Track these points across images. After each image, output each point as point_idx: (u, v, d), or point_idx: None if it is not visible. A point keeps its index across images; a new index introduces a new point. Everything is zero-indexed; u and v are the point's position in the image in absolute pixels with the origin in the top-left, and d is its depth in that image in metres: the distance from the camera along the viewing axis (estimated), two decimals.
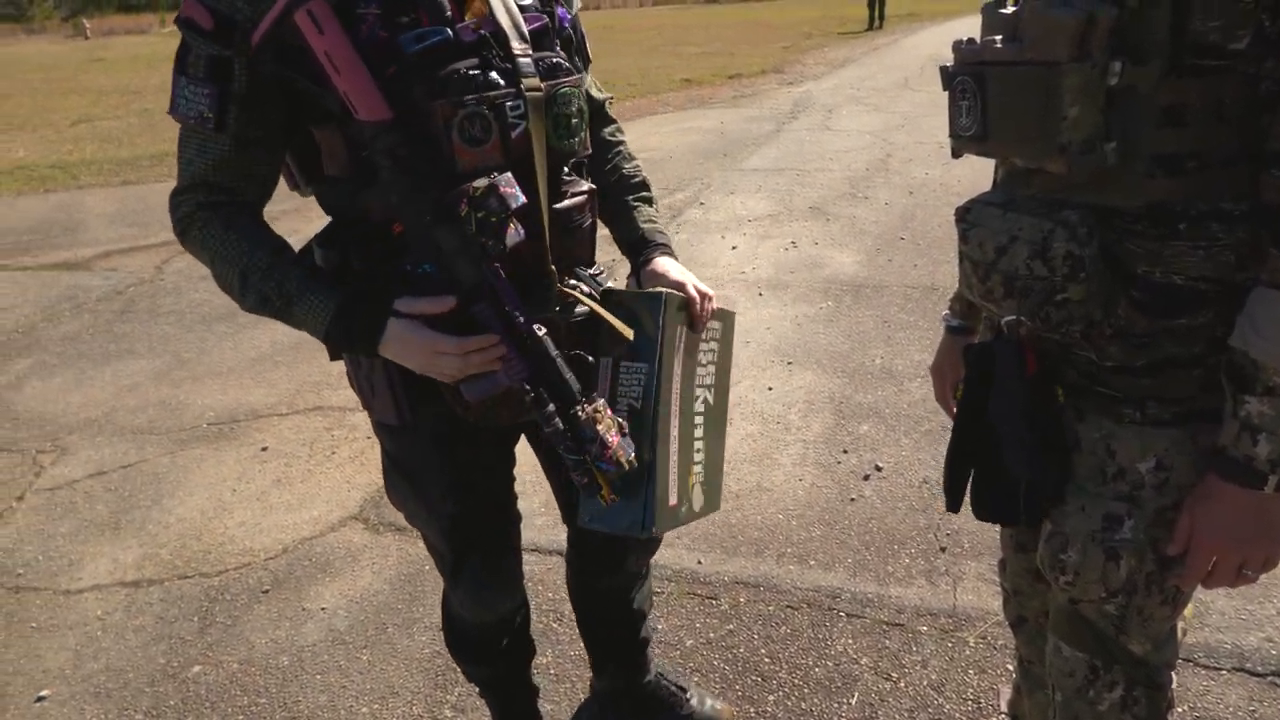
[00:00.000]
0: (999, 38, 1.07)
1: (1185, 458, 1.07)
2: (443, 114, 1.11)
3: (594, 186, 1.37)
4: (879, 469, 2.81)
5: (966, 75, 1.10)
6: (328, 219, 1.30)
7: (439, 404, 1.29)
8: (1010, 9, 1.08)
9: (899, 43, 16.44)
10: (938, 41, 16.19)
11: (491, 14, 1.19)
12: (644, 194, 1.54)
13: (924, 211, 5.54)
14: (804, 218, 5.62)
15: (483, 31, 1.16)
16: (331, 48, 1.06)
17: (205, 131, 1.16)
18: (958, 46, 1.14)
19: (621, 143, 1.58)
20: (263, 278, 1.18)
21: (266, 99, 1.16)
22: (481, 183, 1.11)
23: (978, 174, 6.26)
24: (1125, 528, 1.10)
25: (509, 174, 1.14)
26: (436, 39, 1.12)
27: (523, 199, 1.13)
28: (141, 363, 4.07)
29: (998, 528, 1.57)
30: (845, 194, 6.05)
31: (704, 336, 1.43)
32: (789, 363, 3.60)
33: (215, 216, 1.20)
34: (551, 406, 1.17)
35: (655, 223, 1.52)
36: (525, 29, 1.23)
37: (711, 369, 1.47)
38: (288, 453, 3.18)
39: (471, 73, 1.13)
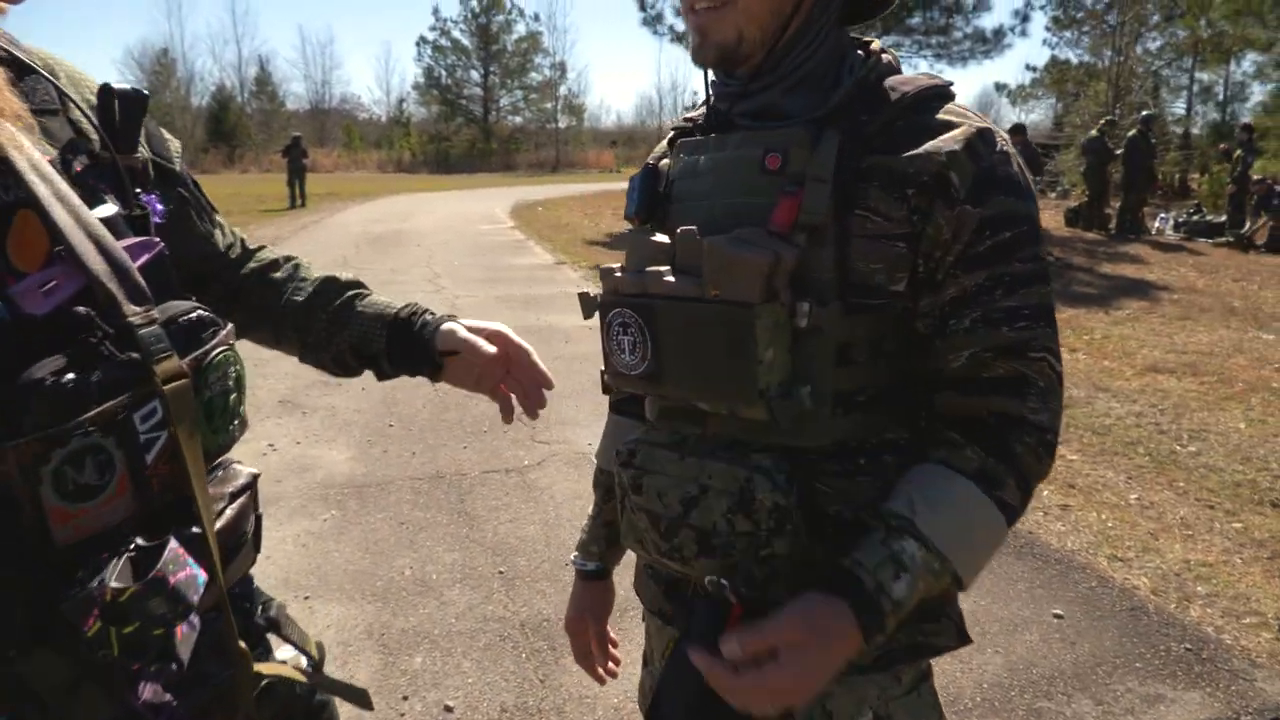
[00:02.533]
0: (664, 269, 0.95)
1: (898, 702, 1.02)
2: (19, 462, 0.68)
3: (255, 470, 0.93)
4: (449, 709, 2.44)
5: (627, 308, 0.97)
6: None
7: None
8: (660, 238, 0.98)
9: (326, 221, 16.58)
10: (365, 219, 16.76)
11: (70, 252, 0.72)
12: (361, 287, 1.18)
13: (404, 394, 5.40)
14: (275, 414, 5.04)
15: (64, 295, 0.71)
16: None
17: None
18: (609, 274, 1.01)
19: (291, 257, 1.20)
20: None
21: None
22: (123, 581, 0.70)
23: None
24: None
25: (174, 543, 0.71)
26: None
27: (204, 576, 0.76)
28: None
29: None
30: (316, 382, 5.62)
31: None
32: (305, 597, 3.03)
33: None
34: None
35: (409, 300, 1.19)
36: (137, 274, 0.77)
37: None
38: None
39: (64, 379, 0.71)
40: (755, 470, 0.93)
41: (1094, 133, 13.95)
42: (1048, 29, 26.87)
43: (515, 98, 51.01)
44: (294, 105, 54.44)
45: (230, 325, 0.90)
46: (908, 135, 0.92)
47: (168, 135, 1.04)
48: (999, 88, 29.32)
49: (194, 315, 0.84)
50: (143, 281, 0.79)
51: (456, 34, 48.65)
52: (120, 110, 0.90)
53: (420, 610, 2.95)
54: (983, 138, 0.92)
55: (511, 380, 1.15)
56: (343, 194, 23.75)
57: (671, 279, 0.94)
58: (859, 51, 1.01)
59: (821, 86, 0.98)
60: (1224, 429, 4.83)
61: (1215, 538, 3.55)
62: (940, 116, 0.94)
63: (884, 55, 1.00)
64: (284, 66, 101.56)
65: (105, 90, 0.90)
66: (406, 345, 1.11)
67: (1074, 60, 24.65)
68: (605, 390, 1.13)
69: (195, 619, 0.78)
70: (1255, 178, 12.77)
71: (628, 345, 0.99)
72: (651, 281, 0.96)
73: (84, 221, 0.77)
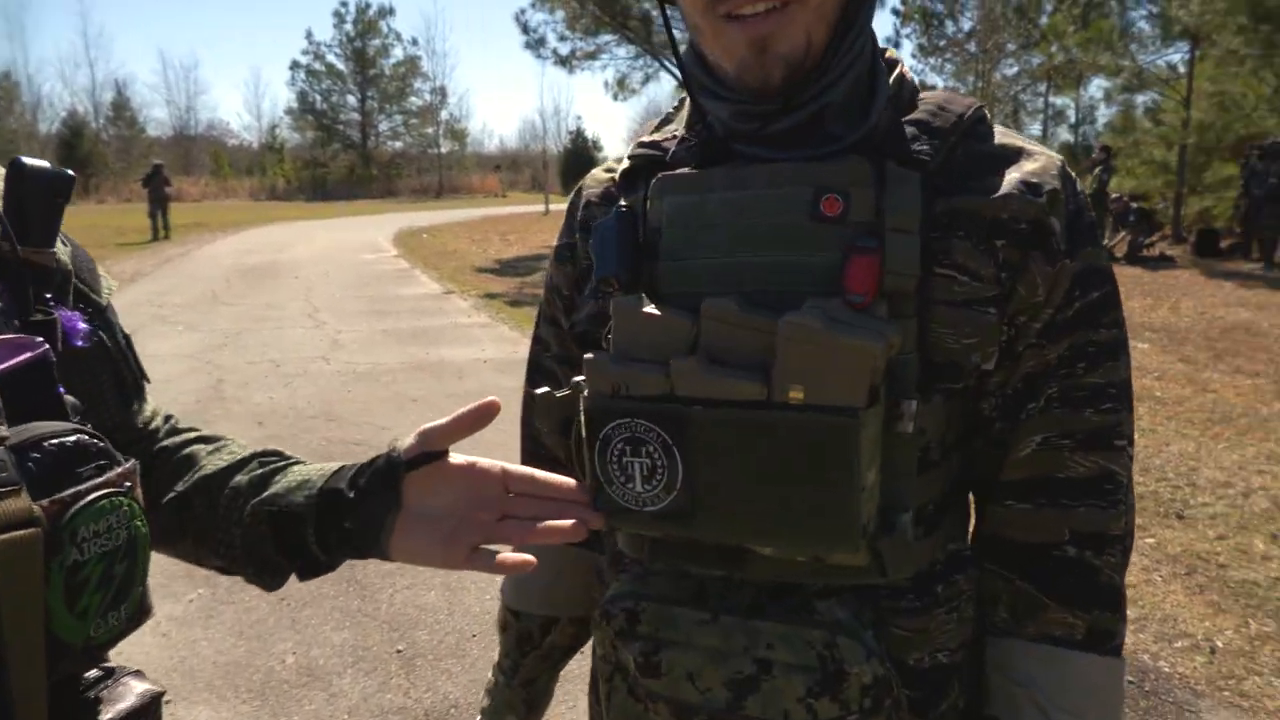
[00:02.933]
0: (695, 362, 0.67)
1: None
2: None
3: (155, 688, 0.65)
4: None
5: (642, 418, 0.69)
6: None
7: None
8: (673, 313, 0.70)
9: (193, 254, 15.53)
10: (237, 250, 15.81)
11: None
12: (291, 459, 0.80)
13: (283, 444, 4.91)
14: None
15: None
16: None
17: None
18: (599, 366, 0.71)
19: (218, 438, 0.84)
20: None
21: None
22: None
23: (326, 391, 5.94)
24: None
25: None
26: None
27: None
28: None
29: None
30: None
31: None
32: (167, 701, 2.59)
33: None
34: None
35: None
36: None
37: None
38: None
39: None
40: (837, 631, 0.69)
41: None
42: (914, 56, 28.25)
43: (395, 123, 49.81)
44: (156, 131, 51.57)
45: (133, 463, 0.61)
46: (975, 169, 0.71)
47: (102, 272, 0.79)
48: None
49: (70, 441, 0.57)
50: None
51: (331, 58, 47.20)
52: (30, 192, 0.68)
53: (306, 706, 2.56)
54: (1067, 171, 0.73)
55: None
56: (211, 224, 22.41)
57: (715, 377, 0.67)
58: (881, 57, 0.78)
59: (855, 106, 0.74)
60: None
61: (1133, 556, 3.53)
62: (1002, 141, 0.73)
63: (903, 67, 0.77)
64: (144, 91, 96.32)
65: (16, 166, 0.68)
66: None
67: (940, 85, 25.99)
68: (583, 542, 0.79)
69: None
70: (1112, 195, 13.57)
71: (639, 471, 0.70)
72: (682, 379, 0.68)
73: None
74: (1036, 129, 23.36)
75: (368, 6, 46.60)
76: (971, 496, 0.83)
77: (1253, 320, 8.11)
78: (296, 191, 43.23)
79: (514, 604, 0.99)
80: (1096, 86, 20.08)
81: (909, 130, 0.72)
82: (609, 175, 0.87)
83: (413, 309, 9.49)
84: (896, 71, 0.76)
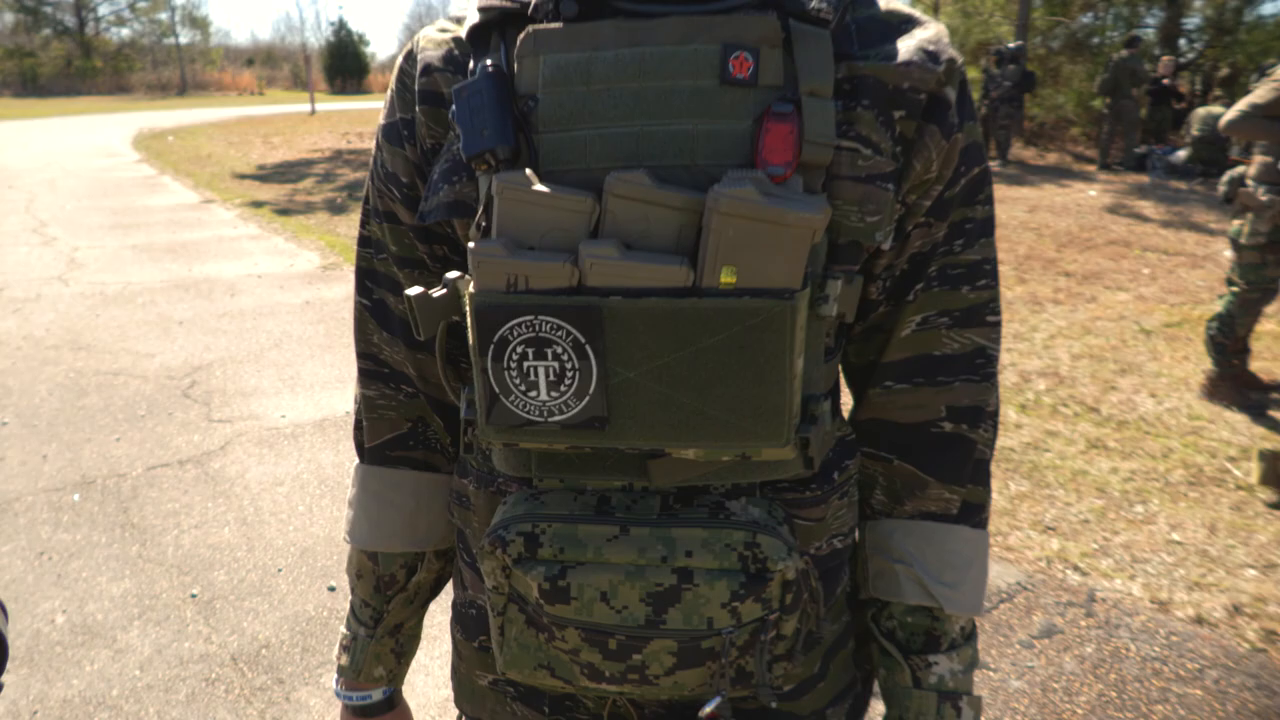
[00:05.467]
0: (609, 247, 0.58)
1: None
2: None
3: None
4: None
5: (549, 315, 0.60)
6: None
7: None
8: (564, 191, 0.61)
9: None
10: None
11: None
12: None
13: (19, 380, 4.26)
14: None
15: None
16: None
17: None
18: (488, 258, 0.61)
19: None
20: None
21: None
22: None
23: (70, 317, 5.19)
24: None
25: None
26: None
27: None
28: None
29: None
30: None
31: None
32: None
33: None
34: None
35: None
36: None
37: None
38: None
39: None
40: (756, 528, 0.64)
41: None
42: None
43: (118, 6, 43.34)
44: None
45: None
46: (873, 33, 0.66)
47: None
48: None
49: None
50: None
51: None
52: None
53: (87, 667, 2.28)
54: (947, 48, 0.68)
55: None
56: None
57: (636, 262, 0.58)
58: None
59: None
60: None
61: None
62: (888, 7, 0.69)
63: None
64: None
65: None
66: None
67: None
68: (467, 449, 0.73)
69: None
70: None
71: (545, 376, 0.61)
72: (596, 268, 0.59)
73: None
74: None
75: None
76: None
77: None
78: (1, 85, 36.86)
79: (370, 544, 0.87)
80: None
81: None
82: (447, 35, 0.74)
83: (167, 220, 8.46)
84: None
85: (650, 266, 0.58)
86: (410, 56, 0.76)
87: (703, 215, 0.58)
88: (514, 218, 0.61)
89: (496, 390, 0.63)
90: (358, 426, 0.87)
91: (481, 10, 0.69)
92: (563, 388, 0.61)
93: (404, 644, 0.90)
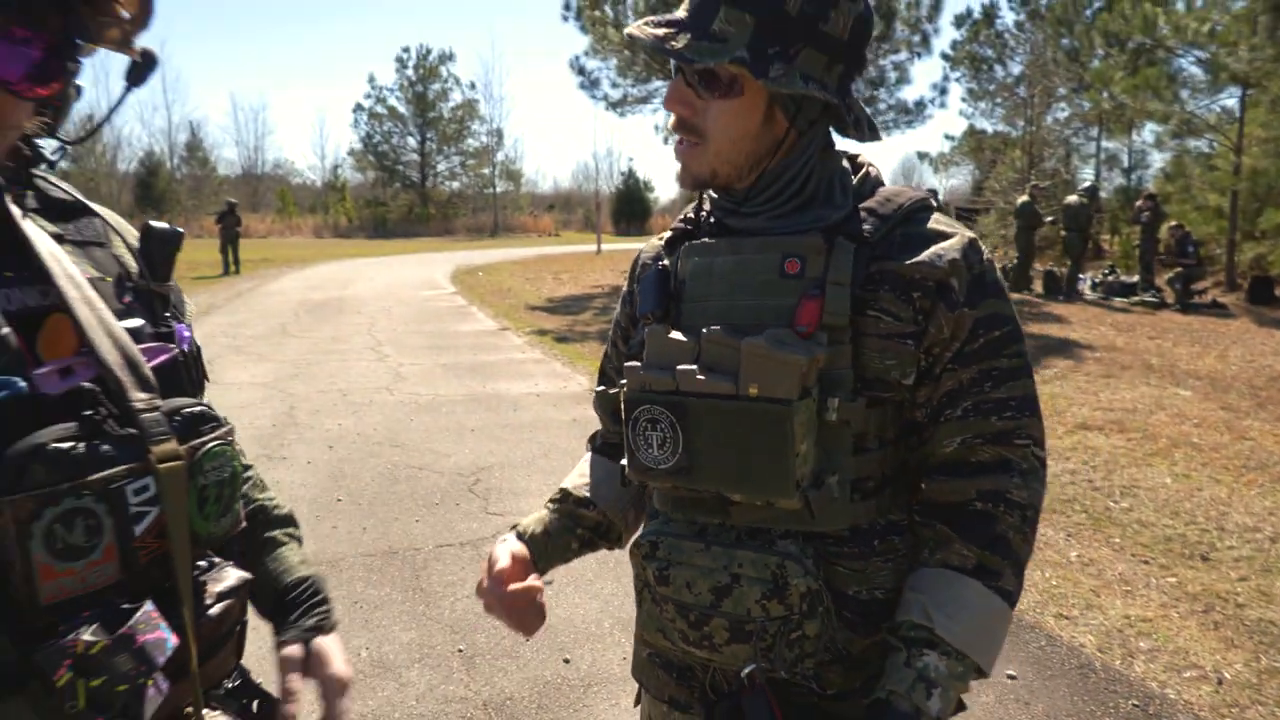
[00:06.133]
0: (693, 368, 0.99)
1: None
2: (15, 516, 0.74)
3: (247, 574, 0.95)
4: None
5: (658, 404, 1.01)
6: None
7: None
8: (679, 336, 1.02)
9: (262, 288, 16.32)
10: (304, 286, 16.55)
11: (91, 349, 0.81)
12: (290, 529, 1.13)
13: (352, 467, 5.32)
14: None
15: (79, 380, 0.79)
16: None
17: None
18: (633, 371, 1.04)
19: (248, 467, 1.14)
20: None
21: None
22: (96, 635, 0.76)
23: (391, 420, 6.34)
24: None
25: (149, 605, 0.80)
26: (2, 394, 0.78)
27: (174, 641, 0.81)
28: None
29: None
30: (259, 456, 5.49)
31: None
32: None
33: None
34: None
35: (313, 572, 1.09)
36: (147, 368, 0.85)
37: None
38: None
39: (64, 445, 0.78)
40: (786, 557, 0.99)
41: (1024, 198, 14.71)
42: (964, 99, 28.43)
43: (452, 163, 51.32)
44: (226, 170, 53.73)
45: (231, 425, 0.95)
46: (907, 243, 1.01)
47: (186, 299, 1.09)
48: (921, 156, 30.66)
49: (196, 409, 0.90)
50: (151, 375, 0.86)
51: (393, 101, 48.97)
52: (155, 245, 0.98)
53: (379, 693, 2.88)
54: (974, 246, 1.02)
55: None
56: (277, 260, 23.43)
57: (703, 377, 0.99)
58: (846, 164, 1.10)
59: (820, 203, 1.06)
60: (1152, 484, 5.05)
61: (1153, 593, 3.69)
62: (932, 226, 1.03)
63: (870, 169, 1.10)
64: (215, 132, 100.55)
65: (146, 227, 1.00)
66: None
67: (989, 130, 26.06)
68: (623, 483, 1.13)
69: (164, 683, 0.81)
70: (1171, 223, 13.52)
71: (656, 441, 1.03)
72: (684, 379, 1.00)
73: (106, 323, 0.85)
74: (1089, 173, 23.30)
75: (429, 52, 48.39)
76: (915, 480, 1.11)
77: None
78: (358, 229, 44.73)
79: (579, 492, 1.27)
80: (1149, 131, 20.05)
81: (863, 213, 1.03)
82: (658, 243, 1.21)
83: (471, 344, 9.95)
84: (862, 171, 1.09)
85: (711, 381, 0.98)
86: (636, 258, 1.24)
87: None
88: (654, 350, 1.04)
89: (632, 447, 1.05)
90: (592, 437, 1.36)
91: (672, 229, 1.17)
92: (665, 449, 1.02)
93: (554, 554, 1.23)
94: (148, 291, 0.97)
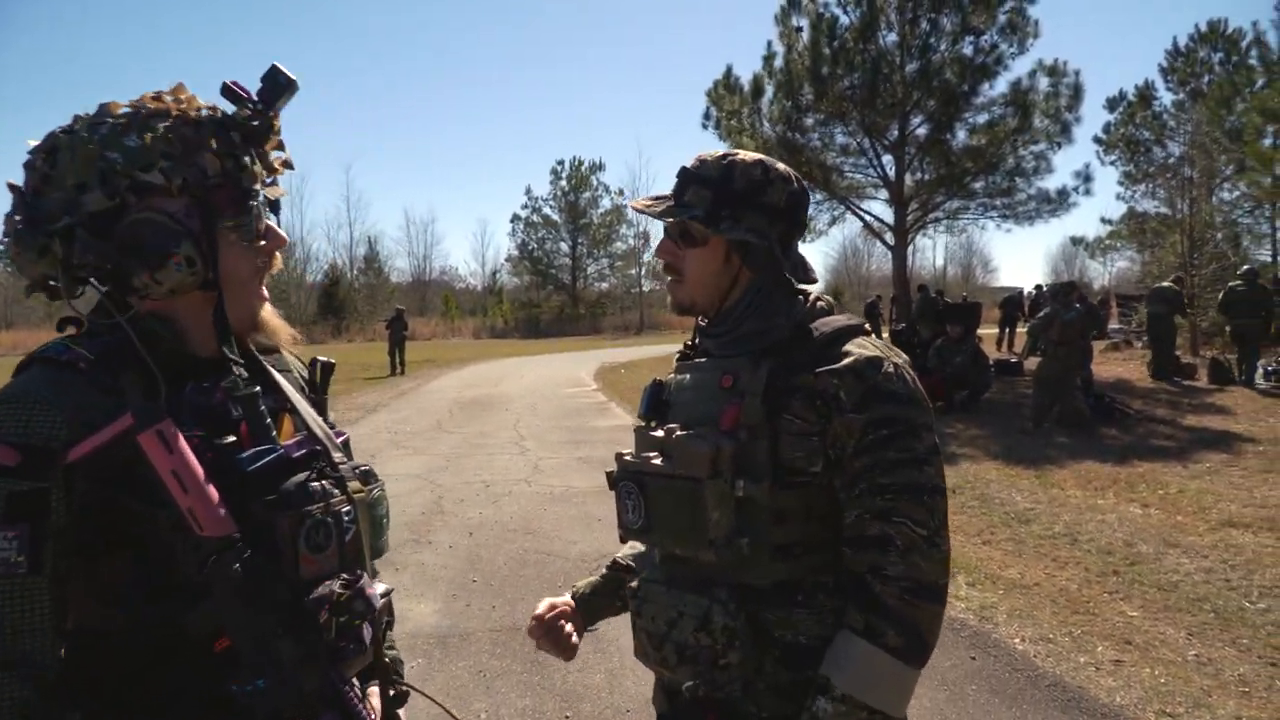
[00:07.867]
0: (654, 455, 1.36)
1: None
2: (290, 525, 1.14)
3: (389, 587, 1.35)
4: None
5: (630, 481, 1.39)
6: None
7: None
8: (658, 433, 1.39)
9: (423, 387, 17.68)
10: (459, 384, 17.78)
11: (310, 432, 1.27)
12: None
13: (488, 551, 5.82)
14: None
15: (308, 448, 1.22)
16: (179, 466, 1.07)
17: (15, 579, 1.05)
18: (620, 457, 1.42)
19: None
20: None
21: (72, 525, 1.10)
22: (339, 586, 1.16)
23: (526, 509, 6.85)
24: None
25: (365, 575, 1.20)
26: (272, 456, 1.17)
27: (381, 590, 1.23)
28: None
29: None
30: (408, 540, 6.10)
31: None
32: None
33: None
34: None
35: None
36: (338, 442, 1.32)
37: None
38: None
39: (312, 485, 1.19)
40: (714, 600, 1.30)
41: (1166, 283, 14.05)
42: (1120, 183, 27.36)
43: (601, 265, 53.83)
44: (397, 279, 58.34)
45: (382, 481, 1.39)
46: (821, 360, 1.32)
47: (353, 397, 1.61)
48: (1075, 241, 29.45)
49: (368, 467, 1.34)
50: (341, 446, 1.34)
51: (547, 210, 52.37)
52: (320, 370, 1.45)
53: None
54: (871, 364, 1.30)
55: None
56: (439, 360, 25.22)
57: (658, 461, 1.35)
58: (800, 298, 1.42)
59: (757, 334, 1.39)
60: None
61: (1274, 695, 3.54)
62: (845, 348, 1.33)
63: (819, 302, 1.43)
64: (390, 244, 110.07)
65: (314, 360, 1.47)
66: None
67: (1151, 212, 24.85)
68: (622, 540, 1.51)
69: (367, 630, 1.21)
70: None
71: (630, 507, 1.40)
72: (644, 463, 1.38)
73: (313, 417, 1.33)
74: (1265, 255, 21.77)
75: (580, 163, 51.65)
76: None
77: None
78: (513, 330, 47.38)
79: (619, 558, 1.64)
80: None
81: (798, 337, 1.34)
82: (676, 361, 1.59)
83: (607, 440, 10.46)
84: (808, 305, 1.41)
85: (655, 462, 1.34)
86: None
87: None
88: (637, 442, 1.42)
89: (619, 512, 1.42)
90: (622, 539, 1.68)
91: (679, 352, 1.55)
92: (636, 513, 1.38)
93: (593, 609, 1.61)
94: (318, 402, 1.42)
